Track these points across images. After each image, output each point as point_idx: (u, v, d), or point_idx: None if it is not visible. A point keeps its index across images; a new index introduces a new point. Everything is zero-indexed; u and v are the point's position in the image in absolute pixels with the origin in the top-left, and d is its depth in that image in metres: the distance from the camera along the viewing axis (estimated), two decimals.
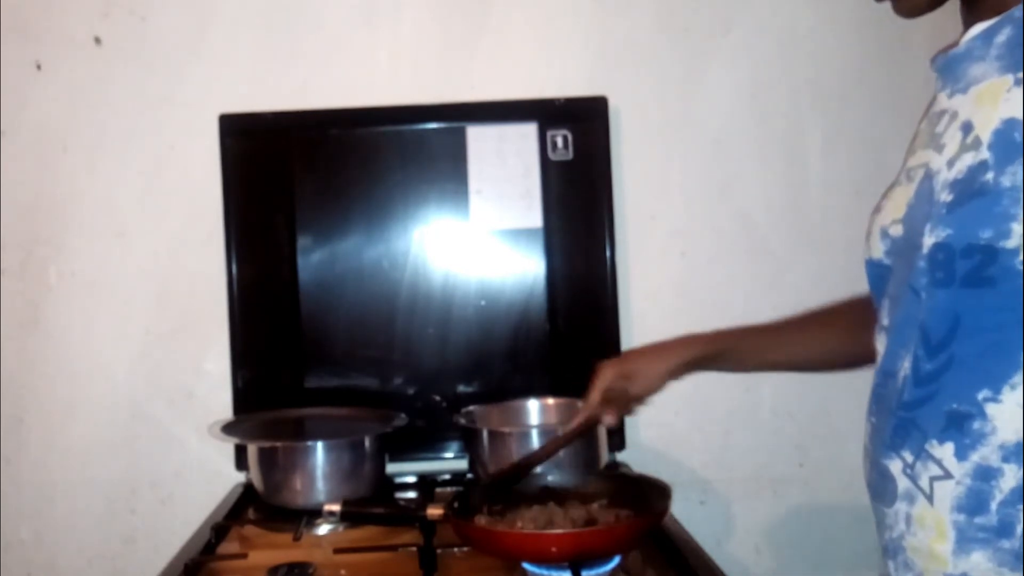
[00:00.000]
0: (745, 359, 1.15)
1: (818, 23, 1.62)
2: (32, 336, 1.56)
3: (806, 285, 1.57)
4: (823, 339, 1.12)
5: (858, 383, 1.60)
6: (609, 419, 1.13)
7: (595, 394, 1.13)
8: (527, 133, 1.56)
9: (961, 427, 0.79)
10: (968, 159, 0.78)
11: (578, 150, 1.56)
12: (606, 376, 1.14)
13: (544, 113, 1.56)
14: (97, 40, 1.56)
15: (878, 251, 0.91)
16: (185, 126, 1.56)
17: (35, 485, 1.56)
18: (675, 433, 1.60)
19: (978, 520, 0.78)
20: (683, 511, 1.26)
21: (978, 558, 0.78)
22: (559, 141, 1.56)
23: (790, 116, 1.62)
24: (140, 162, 1.57)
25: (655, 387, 1.13)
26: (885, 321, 0.89)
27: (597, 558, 1.04)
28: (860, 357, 1.01)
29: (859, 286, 1.14)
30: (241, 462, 1.49)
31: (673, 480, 1.13)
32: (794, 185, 1.62)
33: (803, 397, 1.62)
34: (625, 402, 1.14)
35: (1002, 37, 0.80)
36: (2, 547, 1.56)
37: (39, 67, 1.56)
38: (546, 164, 1.56)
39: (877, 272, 0.91)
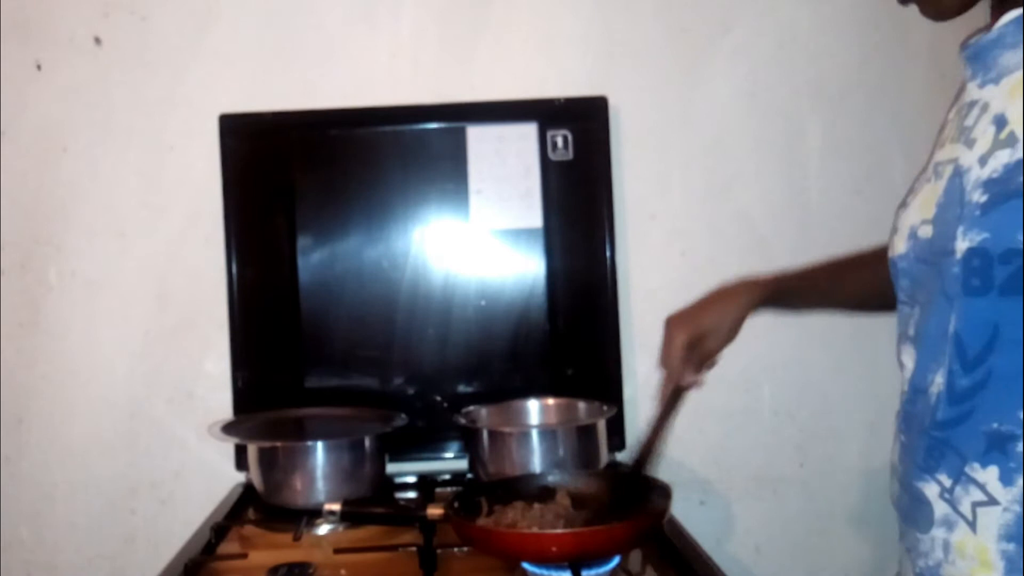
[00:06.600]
0: (806, 298, 1.11)
1: (818, 23, 1.62)
2: (32, 336, 1.56)
3: None
4: (874, 277, 1.05)
5: (858, 383, 1.61)
6: (693, 381, 1.08)
7: (675, 360, 1.06)
8: (527, 133, 1.56)
9: (1004, 449, 0.74)
10: (1003, 157, 0.73)
11: (578, 150, 1.56)
12: (680, 339, 1.06)
13: (544, 113, 1.56)
14: (97, 40, 1.56)
15: (904, 251, 0.86)
16: (185, 126, 1.56)
17: (35, 485, 1.56)
18: (675, 433, 1.60)
19: None
20: (683, 511, 1.26)
21: None
22: (559, 141, 1.56)
23: (790, 116, 1.62)
24: (140, 162, 1.57)
25: (731, 340, 1.07)
26: (911, 331, 0.84)
27: (597, 558, 1.04)
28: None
29: None
30: (241, 462, 1.49)
31: (673, 480, 1.13)
32: (794, 185, 1.62)
33: (803, 397, 1.62)
34: (702, 360, 1.08)
35: None
36: (2, 547, 1.56)
37: (39, 67, 1.56)
38: (546, 164, 1.56)
39: (902, 272, 0.87)
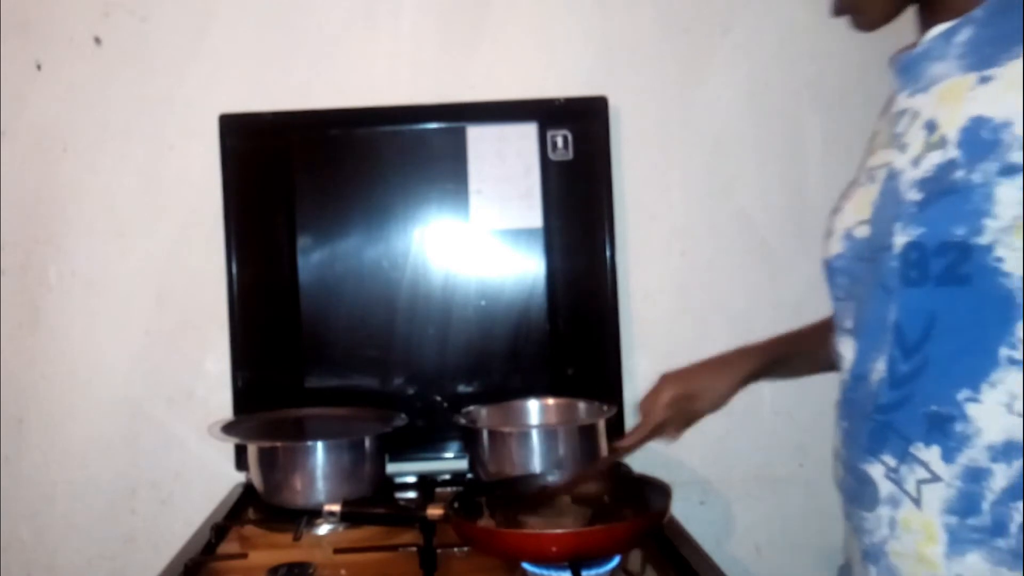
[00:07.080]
0: (799, 365, 1.15)
1: (818, 23, 1.61)
2: (32, 336, 1.56)
3: (805, 285, 1.57)
4: None
5: None
6: (670, 437, 1.13)
7: (658, 412, 1.11)
8: (527, 133, 1.56)
9: (944, 429, 0.78)
10: (935, 157, 0.78)
11: (578, 150, 1.56)
12: (668, 394, 1.11)
13: (544, 113, 1.56)
14: (97, 40, 1.56)
15: (840, 250, 0.91)
16: (185, 126, 1.57)
17: (35, 485, 1.56)
18: None
19: (971, 521, 0.78)
20: (683, 511, 1.26)
21: (973, 559, 0.78)
22: (559, 141, 1.56)
23: (790, 116, 1.62)
24: (140, 162, 1.57)
25: (720, 405, 1.13)
26: (849, 324, 0.89)
27: (597, 558, 1.04)
28: None
29: None
30: (241, 462, 1.49)
31: (673, 480, 1.13)
32: (794, 185, 1.62)
33: (803, 397, 1.62)
34: (687, 419, 1.13)
35: (963, 36, 0.81)
36: (2, 547, 1.56)
37: (39, 67, 1.56)
38: (546, 164, 1.56)
39: (839, 271, 0.91)
